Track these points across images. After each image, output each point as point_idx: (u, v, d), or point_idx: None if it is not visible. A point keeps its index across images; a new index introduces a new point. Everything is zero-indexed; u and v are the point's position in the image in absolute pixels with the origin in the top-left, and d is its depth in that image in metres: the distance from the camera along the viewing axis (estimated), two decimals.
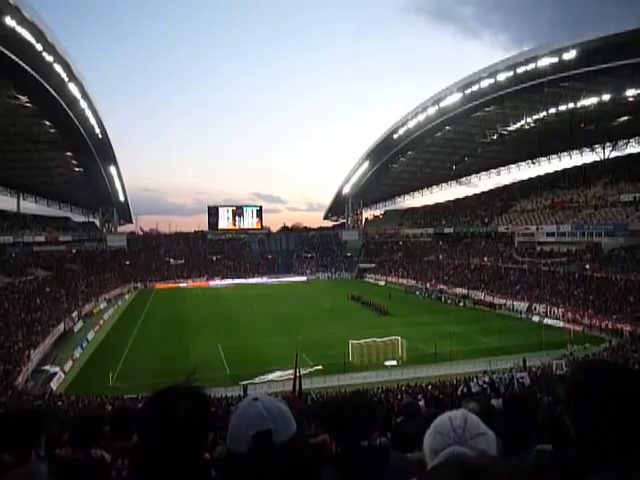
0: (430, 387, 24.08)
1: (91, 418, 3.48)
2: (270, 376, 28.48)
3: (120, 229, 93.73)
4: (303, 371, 28.81)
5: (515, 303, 51.00)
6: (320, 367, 30.81)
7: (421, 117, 65.40)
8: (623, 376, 1.27)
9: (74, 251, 78.91)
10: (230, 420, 1.38)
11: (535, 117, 60.71)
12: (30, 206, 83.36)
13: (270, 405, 1.50)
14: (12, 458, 2.25)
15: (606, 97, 50.88)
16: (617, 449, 1.19)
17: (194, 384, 1.57)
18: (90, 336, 43.16)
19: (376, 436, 2.20)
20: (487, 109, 60.85)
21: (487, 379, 24.28)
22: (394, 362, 32.65)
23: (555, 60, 45.98)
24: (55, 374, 31.87)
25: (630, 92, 49.27)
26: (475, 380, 24.17)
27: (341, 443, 2.19)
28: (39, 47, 38.69)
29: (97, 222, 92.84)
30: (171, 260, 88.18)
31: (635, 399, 1.22)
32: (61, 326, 44.03)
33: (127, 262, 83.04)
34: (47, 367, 33.13)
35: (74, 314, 48.88)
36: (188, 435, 1.44)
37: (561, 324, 42.80)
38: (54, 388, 29.53)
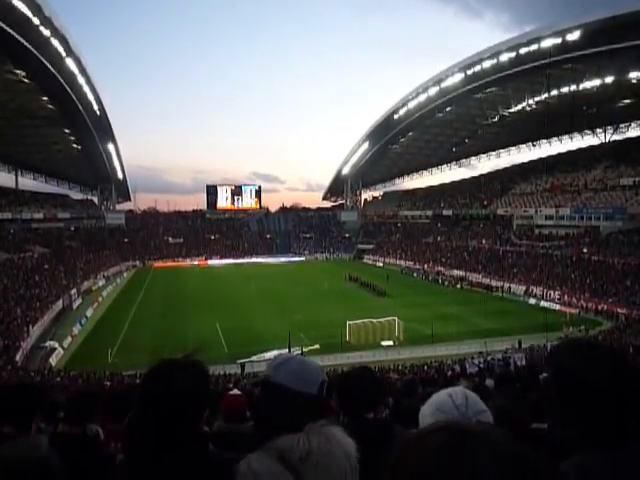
0: (426, 367, 24.27)
1: (87, 394, 3.49)
2: (267, 355, 28.64)
3: (118, 207, 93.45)
4: (303, 349, 29.13)
5: (512, 286, 51.17)
6: (317, 346, 31.03)
7: (422, 97, 64.82)
8: (608, 357, 1.27)
9: (73, 228, 78.69)
10: (287, 367, 1.46)
11: (537, 99, 60.35)
12: (28, 183, 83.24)
13: None
14: (12, 430, 2.27)
15: (609, 79, 50.47)
16: (601, 433, 1.20)
17: (193, 359, 1.58)
18: (89, 313, 43.35)
19: (382, 409, 2.25)
20: (488, 90, 60.26)
21: (482, 360, 24.48)
22: (390, 342, 32.91)
23: (558, 41, 45.39)
24: (54, 350, 32.09)
25: (633, 74, 48.86)
26: (470, 361, 24.36)
27: (348, 413, 2.24)
28: (36, 21, 38.06)
29: (96, 199, 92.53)
30: (170, 239, 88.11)
31: (621, 380, 1.22)
32: (60, 303, 44.17)
33: (125, 240, 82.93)
34: (46, 343, 33.32)
35: (73, 291, 48.97)
36: (186, 408, 1.45)
37: (557, 307, 43.06)
38: (53, 364, 29.73)
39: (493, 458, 0.65)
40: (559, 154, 77.32)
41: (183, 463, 1.44)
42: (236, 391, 4.24)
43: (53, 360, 30.49)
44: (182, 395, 1.44)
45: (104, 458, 2.74)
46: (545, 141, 79.83)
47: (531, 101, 61.06)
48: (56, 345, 32.98)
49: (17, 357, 29.58)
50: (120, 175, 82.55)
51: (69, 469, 1.67)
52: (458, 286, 55.51)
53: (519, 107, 63.15)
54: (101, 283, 59.77)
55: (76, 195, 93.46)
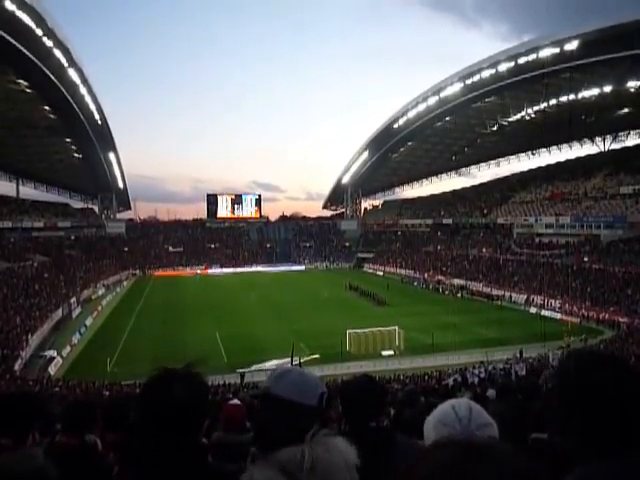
0: (427, 377, 24.15)
1: (85, 404, 3.48)
2: (267, 364, 28.53)
3: (119, 216, 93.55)
4: (300, 360, 28.98)
5: (513, 294, 51.06)
6: (317, 356, 30.87)
7: (421, 107, 65.10)
8: (614, 366, 1.26)
9: (73, 237, 78.70)
10: (287, 379, 1.46)
11: (535, 108, 60.53)
12: (29, 192, 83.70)
13: None
14: (10, 442, 2.25)
15: (607, 88, 50.68)
16: (603, 442, 1.19)
17: (193, 370, 1.57)
18: (88, 322, 43.23)
19: (384, 418, 2.25)
20: (487, 99, 60.56)
21: (483, 369, 24.38)
22: (391, 352, 32.78)
23: (556, 51, 45.72)
24: (53, 359, 31.98)
25: (631, 83, 49.07)
26: (471, 370, 24.25)
27: (350, 422, 2.23)
28: (39, 32, 38.39)
29: (96, 208, 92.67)
30: (170, 247, 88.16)
31: (624, 389, 1.20)
32: (59, 311, 44.04)
33: (126, 249, 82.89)
34: (45, 352, 33.20)
35: (72, 300, 48.81)
36: (184, 419, 1.45)
37: (558, 316, 42.94)
38: (52, 373, 29.61)
39: (496, 474, 0.64)
40: (558, 163, 77.52)
41: (182, 474, 1.43)
42: (236, 401, 4.22)
43: (52, 369, 30.37)
44: (181, 405, 1.44)
45: (102, 468, 2.72)
46: (544, 150, 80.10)
47: (530, 110, 61.25)
48: (55, 354, 32.86)
49: (16, 366, 29.46)
50: (120, 184, 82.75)
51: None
52: (458, 295, 55.37)
53: (518, 116, 63.35)
54: (101, 292, 59.68)
55: (77, 204, 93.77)
